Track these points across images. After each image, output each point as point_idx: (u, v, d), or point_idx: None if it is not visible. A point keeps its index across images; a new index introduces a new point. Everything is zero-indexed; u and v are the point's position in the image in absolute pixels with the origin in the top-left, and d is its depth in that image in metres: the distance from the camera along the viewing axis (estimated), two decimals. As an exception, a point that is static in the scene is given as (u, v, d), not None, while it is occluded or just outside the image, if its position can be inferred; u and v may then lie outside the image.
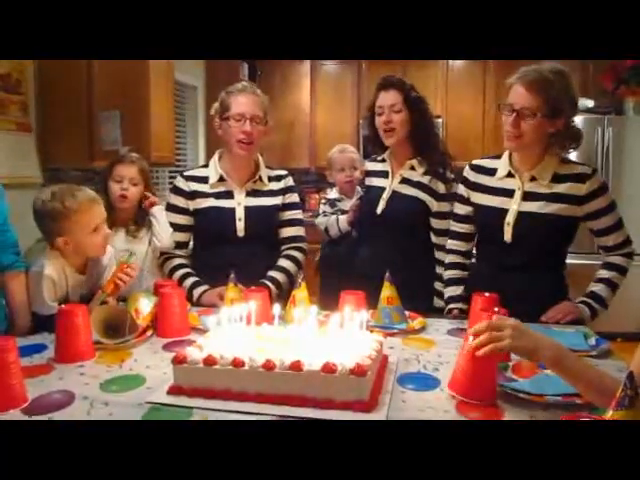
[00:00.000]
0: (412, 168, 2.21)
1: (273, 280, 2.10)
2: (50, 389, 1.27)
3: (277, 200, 2.21)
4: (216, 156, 2.22)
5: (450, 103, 5.12)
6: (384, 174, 2.27)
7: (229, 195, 2.15)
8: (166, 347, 1.57)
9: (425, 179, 2.18)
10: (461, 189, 2.03)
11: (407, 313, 1.78)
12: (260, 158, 2.24)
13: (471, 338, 1.19)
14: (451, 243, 2.07)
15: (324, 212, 2.57)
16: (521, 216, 1.84)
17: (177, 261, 2.17)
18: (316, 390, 1.17)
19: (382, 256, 2.12)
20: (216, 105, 2.16)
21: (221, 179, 2.16)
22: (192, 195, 2.16)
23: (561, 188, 1.81)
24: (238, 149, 2.09)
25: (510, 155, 1.91)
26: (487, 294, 1.63)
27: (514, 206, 1.86)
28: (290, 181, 2.28)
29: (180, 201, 2.17)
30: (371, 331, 1.49)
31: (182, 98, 4.57)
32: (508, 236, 1.86)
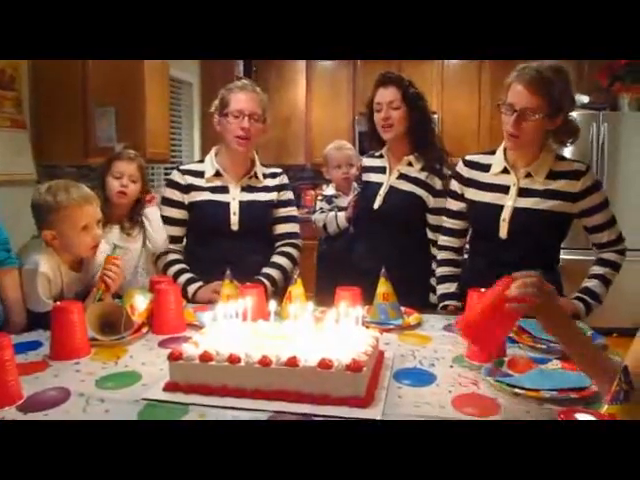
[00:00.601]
0: (409, 164, 2.22)
1: (268, 277, 2.11)
2: (45, 386, 1.26)
3: (272, 196, 2.22)
4: (212, 152, 2.22)
5: (446, 100, 5.12)
6: (381, 170, 2.28)
7: (224, 190, 2.16)
8: (162, 344, 1.57)
9: (422, 175, 2.19)
10: (454, 185, 2.03)
11: (403, 309, 1.78)
12: (256, 156, 2.24)
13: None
14: (443, 239, 2.07)
15: (321, 209, 2.57)
16: (516, 212, 1.85)
17: (171, 257, 2.17)
18: (312, 386, 1.17)
19: (379, 252, 2.13)
20: (216, 102, 2.17)
21: (217, 174, 2.16)
22: (187, 188, 2.16)
23: (556, 185, 1.82)
24: (235, 145, 2.10)
25: (505, 151, 1.91)
26: (483, 290, 1.63)
27: (509, 202, 1.86)
28: (285, 178, 2.29)
29: (175, 194, 2.17)
30: (367, 327, 1.49)
31: (177, 94, 4.56)
32: (504, 232, 1.86)
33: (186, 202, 2.17)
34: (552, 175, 1.83)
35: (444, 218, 2.08)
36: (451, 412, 1.14)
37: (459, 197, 2.00)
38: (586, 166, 1.84)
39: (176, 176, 2.19)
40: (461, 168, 2.01)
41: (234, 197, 2.15)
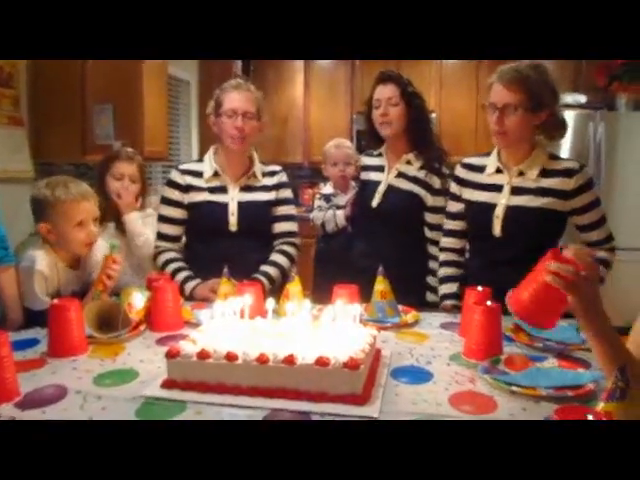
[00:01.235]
0: (408, 162, 2.23)
1: (266, 275, 2.10)
2: (43, 383, 1.26)
3: (270, 195, 2.22)
4: (211, 151, 2.22)
5: (443, 99, 5.12)
6: (380, 168, 2.29)
7: (223, 190, 2.16)
8: (159, 341, 1.57)
9: (421, 174, 2.20)
10: (453, 187, 2.06)
11: (400, 307, 1.78)
12: (255, 154, 2.24)
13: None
14: (445, 241, 2.09)
15: (319, 207, 2.57)
16: (510, 210, 1.86)
17: (169, 255, 2.17)
18: (309, 383, 1.17)
19: (377, 250, 2.14)
20: (211, 103, 2.17)
21: (216, 174, 2.16)
22: (187, 189, 2.16)
23: (549, 183, 1.83)
24: (231, 144, 2.11)
25: (499, 152, 1.93)
26: (480, 288, 1.63)
27: (503, 200, 1.87)
28: (284, 177, 2.29)
29: (175, 194, 2.17)
30: (364, 325, 1.49)
31: (175, 93, 4.55)
32: (497, 230, 1.87)
33: (185, 202, 2.16)
34: (545, 173, 1.85)
35: (445, 219, 2.09)
36: (448, 410, 1.14)
37: (458, 198, 2.02)
38: (580, 164, 1.85)
39: (176, 176, 2.18)
40: (459, 170, 2.04)
41: (232, 197, 2.14)
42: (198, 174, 2.17)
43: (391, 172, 2.25)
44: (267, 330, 1.37)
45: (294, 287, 1.75)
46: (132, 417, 1.11)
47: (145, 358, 1.44)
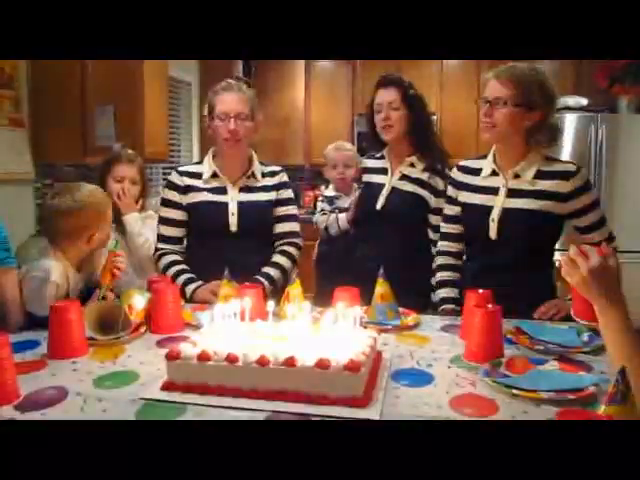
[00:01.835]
0: (411, 165, 2.23)
1: (267, 276, 2.10)
2: (43, 385, 1.26)
3: (271, 196, 2.21)
4: (210, 153, 2.22)
5: (445, 101, 5.12)
6: (383, 171, 2.29)
7: (222, 191, 2.15)
8: (160, 343, 1.57)
9: (424, 176, 2.20)
10: (449, 190, 2.06)
11: (401, 310, 1.78)
12: (254, 155, 2.24)
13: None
14: (442, 244, 2.08)
15: (322, 210, 2.57)
16: (506, 213, 1.86)
17: (171, 257, 2.16)
18: (310, 386, 1.17)
19: (381, 252, 2.14)
20: (206, 105, 2.17)
21: (214, 175, 2.16)
22: (186, 190, 2.16)
23: (545, 185, 1.83)
24: (225, 147, 2.11)
25: (495, 154, 1.94)
26: (481, 291, 1.63)
27: (499, 203, 1.87)
28: (284, 177, 2.28)
29: (174, 196, 2.17)
30: (365, 327, 1.49)
31: (176, 94, 4.56)
32: (493, 233, 1.87)
33: (184, 203, 2.16)
34: (541, 175, 1.84)
35: (442, 223, 2.09)
36: (449, 412, 1.13)
37: (454, 201, 2.02)
38: (576, 167, 1.84)
39: (174, 177, 2.18)
40: (455, 173, 2.04)
41: (232, 198, 2.14)
42: (197, 175, 2.17)
43: (394, 174, 2.25)
44: (268, 332, 1.37)
45: (295, 289, 1.75)
46: (132, 419, 1.11)
47: (145, 360, 1.44)
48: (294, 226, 2.26)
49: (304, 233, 2.31)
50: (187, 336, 1.45)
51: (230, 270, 1.80)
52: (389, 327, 1.69)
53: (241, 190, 2.16)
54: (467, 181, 1.99)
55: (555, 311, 1.79)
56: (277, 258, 2.18)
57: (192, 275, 2.10)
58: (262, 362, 1.19)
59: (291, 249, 2.22)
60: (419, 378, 1.31)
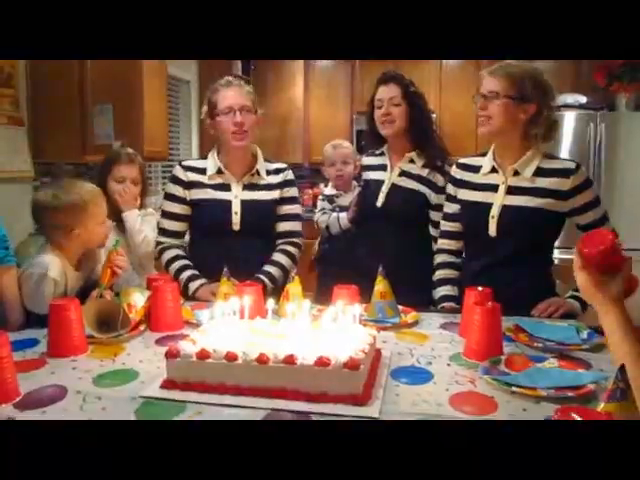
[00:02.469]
0: (411, 161, 2.24)
1: (268, 274, 2.10)
2: (43, 384, 1.26)
3: (275, 194, 2.19)
4: (215, 149, 2.21)
5: (444, 100, 5.12)
6: (382, 167, 2.29)
7: (226, 188, 2.14)
8: (159, 341, 1.57)
9: (424, 172, 2.21)
10: (449, 187, 2.06)
11: (400, 307, 1.78)
12: (259, 151, 2.23)
13: None
14: (441, 242, 2.09)
15: (323, 209, 2.57)
16: (505, 210, 1.86)
17: (174, 252, 2.16)
18: (310, 384, 1.17)
19: (382, 249, 2.14)
20: (205, 107, 2.17)
21: (219, 171, 2.15)
22: (190, 185, 2.15)
23: (545, 182, 1.83)
24: (233, 141, 2.08)
25: (494, 151, 1.94)
26: (480, 288, 1.63)
27: (498, 200, 1.87)
28: (289, 175, 2.26)
29: (178, 190, 2.16)
30: (364, 325, 1.49)
31: (175, 92, 4.55)
32: (493, 230, 1.87)
33: (188, 198, 2.15)
34: (540, 172, 1.84)
35: (442, 221, 2.09)
36: (448, 410, 1.14)
37: (454, 199, 2.03)
38: (576, 164, 1.84)
39: (179, 172, 2.17)
40: (455, 171, 2.04)
41: (236, 195, 2.13)
42: (201, 171, 2.16)
43: (394, 171, 2.25)
44: (267, 330, 1.37)
45: (294, 287, 1.75)
46: (132, 417, 1.11)
47: (145, 358, 1.44)
48: (296, 225, 2.25)
49: (305, 232, 2.31)
50: (187, 334, 1.45)
51: (232, 267, 1.80)
52: (388, 325, 1.69)
53: (245, 188, 2.15)
54: (467, 179, 1.99)
55: (554, 308, 1.79)
56: (278, 257, 2.18)
57: (196, 272, 2.10)
58: (262, 360, 1.20)
59: (292, 249, 2.21)
60: (419, 376, 1.31)
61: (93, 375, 1.32)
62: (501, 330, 1.46)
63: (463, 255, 2.07)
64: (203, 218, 2.15)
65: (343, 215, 2.46)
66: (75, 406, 1.15)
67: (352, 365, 1.16)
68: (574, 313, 1.80)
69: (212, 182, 2.15)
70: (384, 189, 2.24)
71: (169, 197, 2.18)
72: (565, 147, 4.34)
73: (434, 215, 2.20)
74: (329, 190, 2.63)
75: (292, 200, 2.25)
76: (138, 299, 1.71)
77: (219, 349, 1.23)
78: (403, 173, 2.23)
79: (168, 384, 1.23)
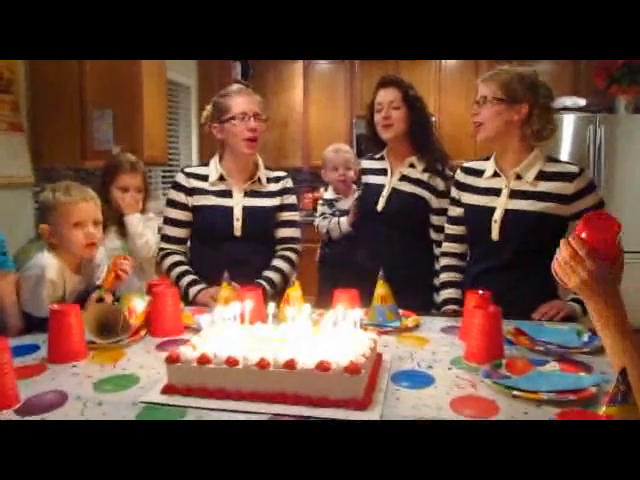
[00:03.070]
0: (411, 165, 2.24)
1: (268, 280, 2.10)
2: (43, 389, 1.26)
3: (275, 201, 2.21)
4: (217, 156, 2.22)
5: (442, 102, 5.13)
6: (382, 172, 2.29)
7: (228, 194, 2.15)
8: (159, 346, 1.57)
9: (424, 176, 2.21)
10: (453, 191, 2.07)
11: (401, 311, 1.78)
12: (260, 159, 2.24)
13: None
14: (446, 246, 2.09)
15: (323, 214, 2.57)
16: (508, 214, 1.86)
17: (175, 258, 2.17)
18: (310, 388, 1.17)
19: (383, 254, 2.14)
20: (208, 110, 2.18)
21: (221, 178, 2.16)
22: (191, 191, 2.16)
23: (547, 186, 1.83)
24: (245, 148, 2.10)
25: (497, 155, 1.95)
26: (481, 292, 1.63)
27: (501, 204, 1.88)
28: (289, 182, 2.28)
29: (180, 197, 2.17)
30: (365, 329, 1.49)
31: (175, 98, 4.56)
32: (495, 234, 1.87)
33: (190, 205, 2.16)
34: (542, 176, 1.85)
35: (446, 224, 2.10)
36: (449, 414, 1.13)
37: (457, 203, 2.03)
38: (580, 168, 1.85)
39: (181, 178, 2.18)
40: (458, 175, 2.06)
41: (237, 202, 2.14)
42: (203, 177, 2.17)
43: (394, 175, 2.25)
44: (267, 335, 1.36)
45: (295, 292, 1.75)
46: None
47: (145, 363, 1.44)
48: (295, 232, 2.27)
49: (305, 236, 2.32)
50: (187, 339, 1.45)
51: (232, 271, 1.81)
52: (389, 329, 1.68)
53: (246, 195, 2.16)
54: (470, 182, 1.99)
55: (555, 311, 1.79)
56: (278, 262, 2.18)
57: (195, 277, 2.11)
58: (262, 365, 1.19)
59: (291, 254, 2.22)
60: (419, 380, 1.31)
61: (94, 380, 1.32)
62: (502, 333, 1.46)
63: (467, 258, 2.07)
64: (205, 224, 2.16)
65: (344, 220, 2.46)
66: (76, 412, 1.15)
67: (353, 369, 1.15)
68: (575, 316, 1.80)
69: (214, 188, 2.15)
70: (384, 193, 2.24)
71: (171, 203, 2.19)
72: (565, 149, 4.35)
73: (435, 219, 2.20)
74: (329, 194, 2.63)
75: (291, 207, 2.27)
76: (138, 304, 1.71)
77: (220, 354, 1.23)
78: (403, 177, 2.24)
79: (169, 389, 1.23)
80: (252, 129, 2.08)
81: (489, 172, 1.94)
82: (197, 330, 1.60)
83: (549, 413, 1.12)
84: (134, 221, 2.31)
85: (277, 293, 2.06)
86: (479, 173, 1.98)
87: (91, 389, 1.27)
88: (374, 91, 2.25)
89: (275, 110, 5.17)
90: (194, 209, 2.16)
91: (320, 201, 2.68)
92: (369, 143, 2.40)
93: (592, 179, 1.88)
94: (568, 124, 4.36)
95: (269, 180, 2.23)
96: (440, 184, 2.19)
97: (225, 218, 2.12)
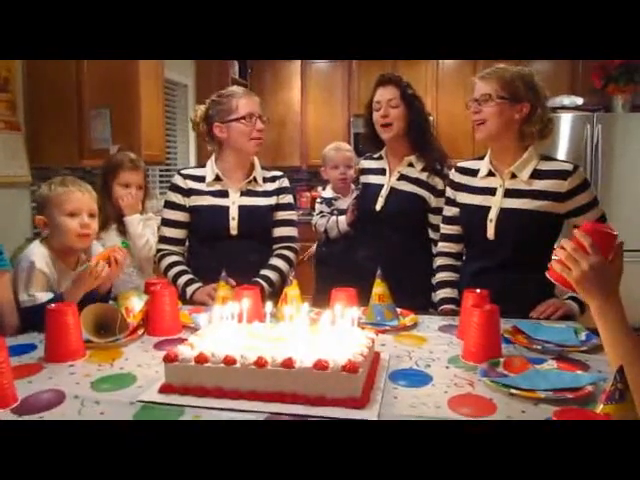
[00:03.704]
0: (410, 165, 2.24)
1: (266, 279, 2.11)
2: (40, 389, 1.26)
3: (271, 201, 2.22)
4: (213, 157, 2.23)
5: (440, 102, 5.13)
6: (381, 171, 2.29)
7: (224, 194, 2.17)
8: (157, 346, 1.57)
9: (423, 175, 2.21)
10: (448, 191, 2.07)
11: (399, 310, 1.78)
12: (256, 160, 2.25)
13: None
14: (441, 245, 2.09)
15: (321, 212, 2.56)
16: (503, 213, 1.86)
17: (173, 258, 2.18)
18: (308, 387, 1.17)
19: (382, 253, 2.14)
20: (202, 109, 2.20)
21: (217, 178, 2.18)
22: (189, 192, 2.18)
23: (542, 185, 1.83)
24: (253, 147, 2.14)
25: (491, 154, 1.95)
26: (478, 291, 1.63)
27: (496, 203, 1.88)
28: (285, 182, 2.30)
29: (177, 198, 2.19)
30: (363, 328, 1.49)
31: (172, 96, 4.55)
32: (491, 233, 1.88)
33: (187, 205, 2.18)
34: (537, 174, 1.85)
35: (441, 224, 2.10)
36: (447, 413, 1.13)
37: (452, 202, 2.03)
38: (573, 166, 1.85)
39: (178, 180, 2.20)
40: (453, 174, 2.06)
41: (234, 202, 2.15)
42: (200, 178, 2.19)
43: (393, 175, 2.25)
44: (265, 334, 1.36)
45: (292, 291, 1.75)
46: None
47: (143, 362, 1.43)
48: (292, 231, 2.28)
49: (302, 235, 2.32)
50: (185, 338, 1.45)
51: (230, 270, 1.81)
52: (387, 327, 1.69)
53: (242, 194, 2.18)
54: (465, 182, 1.99)
55: (553, 310, 1.79)
56: (275, 261, 2.19)
57: (192, 276, 2.12)
58: (260, 364, 1.19)
59: (289, 253, 2.23)
60: (417, 378, 1.31)
61: (91, 380, 1.31)
62: (499, 332, 1.46)
63: (463, 258, 2.07)
64: (201, 223, 2.17)
65: (342, 219, 2.46)
66: (73, 411, 1.15)
67: (351, 368, 1.15)
68: (573, 315, 1.80)
69: (210, 189, 2.17)
70: (383, 193, 2.24)
71: (169, 205, 2.21)
72: (562, 148, 4.35)
73: (433, 218, 2.20)
74: (327, 193, 2.63)
75: (288, 206, 2.28)
76: (136, 303, 1.71)
77: (217, 353, 1.23)
78: (402, 177, 2.24)
79: (166, 388, 1.23)
80: (260, 130, 2.12)
81: (484, 171, 1.94)
82: (195, 329, 1.60)
83: (546, 412, 1.12)
84: (134, 222, 2.33)
85: (275, 292, 2.06)
86: (474, 172, 1.98)
87: (89, 388, 1.27)
88: (372, 90, 2.25)
89: (273, 109, 5.17)
90: (191, 210, 2.18)
91: (318, 199, 2.67)
92: (367, 142, 2.40)
93: (586, 177, 1.88)
94: (565, 123, 4.37)
95: (265, 180, 2.24)
96: (439, 183, 2.19)
97: (221, 217, 2.13)
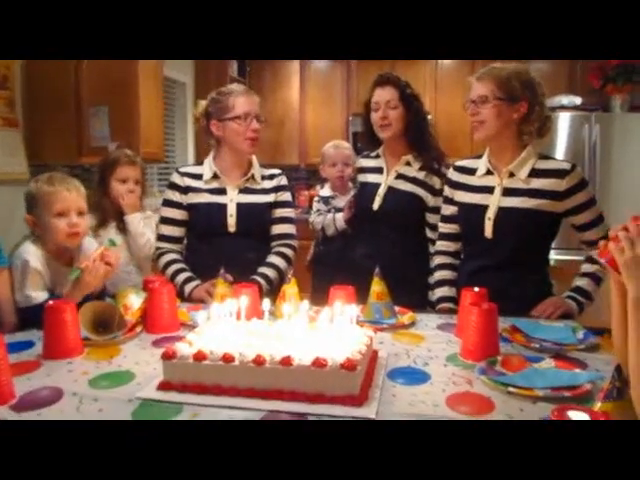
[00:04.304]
0: (408, 164, 2.24)
1: (264, 276, 2.11)
2: (38, 386, 1.26)
3: (269, 198, 2.22)
4: (210, 154, 2.23)
5: (439, 101, 5.13)
6: (379, 170, 2.29)
7: (222, 192, 2.17)
8: (155, 343, 1.57)
9: (421, 175, 2.21)
10: (446, 190, 2.07)
11: (397, 308, 1.78)
12: (254, 157, 2.25)
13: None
14: (440, 244, 2.09)
15: (318, 210, 2.56)
16: (501, 211, 1.87)
17: (171, 256, 2.18)
18: (306, 385, 1.17)
19: (379, 252, 2.14)
20: (203, 105, 2.19)
21: (215, 176, 2.17)
22: (186, 190, 2.18)
23: (540, 183, 1.84)
24: (248, 147, 2.13)
25: (489, 153, 1.95)
26: (476, 289, 1.64)
27: (494, 202, 1.88)
28: (283, 180, 2.30)
29: (175, 195, 2.19)
30: (361, 326, 1.49)
31: (171, 94, 4.55)
32: (489, 231, 1.88)
33: (185, 203, 2.18)
34: (535, 173, 1.85)
35: (439, 223, 2.10)
36: (445, 411, 1.14)
37: (450, 201, 2.04)
38: (571, 165, 1.85)
39: (176, 178, 2.21)
40: (451, 173, 2.06)
41: (231, 199, 2.15)
42: (197, 176, 2.19)
43: (390, 174, 2.25)
44: (263, 331, 1.36)
45: (291, 289, 1.75)
46: (129, 419, 1.11)
47: (141, 360, 1.43)
48: (290, 228, 2.27)
49: (300, 233, 2.32)
50: (183, 336, 1.45)
51: (228, 267, 1.81)
52: (385, 326, 1.69)
53: (240, 192, 2.18)
54: (463, 181, 1.99)
55: (553, 309, 1.79)
56: (273, 259, 2.19)
57: (191, 274, 2.12)
58: (258, 361, 1.19)
59: (287, 250, 2.23)
60: (415, 376, 1.32)
61: (89, 377, 1.31)
62: (497, 330, 1.47)
63: (461, 256, 2.07)
64: (199, 221, 2.17)
65: (339, 216, 2.46)
66: (71, 408, 1.15)
67: (349, 366, 1.16)
68: (572, 313, 1.81)
69: (208, 186, 2.17)
70: (380, 192, 2.24)
71: (167, 203, 2.21)
72: (560, 148, 4.35)
73: (431, 217, 2.20)
74: (325, 191, 2.63)
75: (286, 204, 2.28)
76: (134, 301, 1.71)
77: (216, 350, 1.23)
78: (400, 176, 2.24)
79: (165, 386, 1.23)
80: (255, 130, 2.11)
81: (482, 170, 1.95)
82: (193, 327, 1.60)
83: (544, 410, 1.12)
84: (135, 220, 2.32)
85: (273, 289, 2.06)
86: (472, 171, 1.98)
87: (87, 385, 1.27)
88: (370, 89, 2.24)
89: (272, 108, 5.17)
90: (189, 207, 2.18)
91: (316, 198, 2.67)
92: (365, 141, 2.39)
93: (584, 176, 1.89)
94: (564, 122, 4.37)
95: (263, 177, 2.24)
96: (437, 182, 2.19)
97: (219, 215, 2.13)
